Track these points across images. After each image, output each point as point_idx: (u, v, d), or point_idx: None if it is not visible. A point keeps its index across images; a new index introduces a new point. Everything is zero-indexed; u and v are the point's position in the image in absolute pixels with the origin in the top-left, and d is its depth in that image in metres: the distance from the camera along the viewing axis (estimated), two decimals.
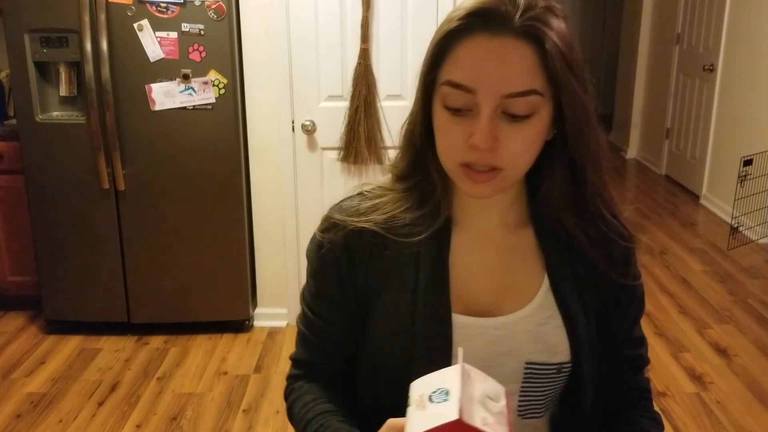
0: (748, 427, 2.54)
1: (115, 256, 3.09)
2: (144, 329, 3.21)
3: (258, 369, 2.94)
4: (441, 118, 0.86)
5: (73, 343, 3.15)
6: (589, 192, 0.93)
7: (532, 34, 0.81)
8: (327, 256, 0.97)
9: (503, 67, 0.81)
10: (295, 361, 1.06)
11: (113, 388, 2.79)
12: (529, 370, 0.93)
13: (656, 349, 3.09)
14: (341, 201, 1.01)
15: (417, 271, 0.94)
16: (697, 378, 2.86)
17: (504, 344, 0.93)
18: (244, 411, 2.66)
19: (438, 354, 0.91)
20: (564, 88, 0.83)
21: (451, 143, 0.86)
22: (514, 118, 0.82)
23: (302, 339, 1.04)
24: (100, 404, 2.69)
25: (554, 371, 0.94)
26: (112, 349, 3.09)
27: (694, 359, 3.01)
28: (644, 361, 1.07)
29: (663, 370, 2.93)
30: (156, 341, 3.16)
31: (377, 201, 0.97)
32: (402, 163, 0.98)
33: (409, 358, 0.92)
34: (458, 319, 0.92)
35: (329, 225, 0.97)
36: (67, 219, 3.05)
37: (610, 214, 0.97)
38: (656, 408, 1.06)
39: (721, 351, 3.07)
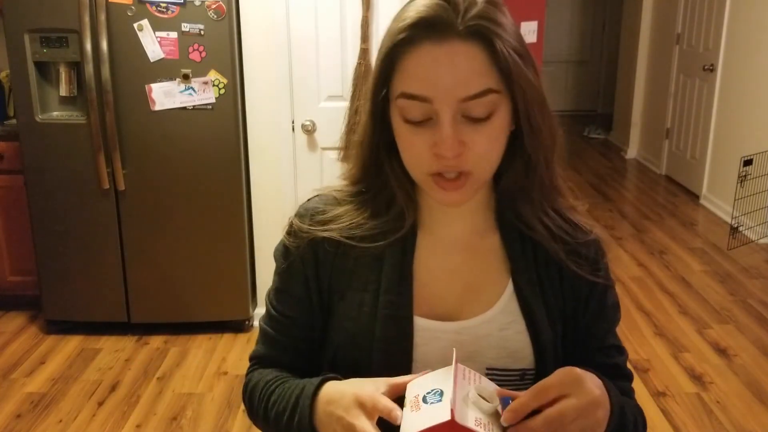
0: (748, 427, 2.54)
1: (115, 256, 3.09)
2: (144, 329, 3.21)
3: None
4: (402, 131, 0.86)
5: (73, 343, 3.15)
6: (543, 182, 0.92)
7: (479, 33, 0.80)
8: (292, 256, 0.98)
9: (455, 71, 0.80)
10: (255, 358, 1.04)
11: (113, 388, 2.79)
12: (490, 376, 0.91)
13: (656, 349, 3.09)
14: (307, 202, 1.02)
15: (380, 273, 0.93)
16: (697, 378, 2.86)
17: (464, 349, 0.91)
18: (244, 411, 2.65)
19: (397, 356, 0.90)
20: (518, 79, 0.82)
21: (417, 155, 0.85)
22: (475, 120, 0.82)
23: (265, 336, 1.02)
24: (100, 404, 2.69)
25: (517, 377, 0.93)
26: (112, 349, 3.09)
27: (694, 359, 3.01)
28: (622, 371, 1.00)
29: (663, 370, 2.92)
30: (156, 341, 3.16)
31: (341, 209, 0.97)
32: (353, 170, 0.98)
33: (369, 359, 0.91)
34: (419, 322, 0.91)
35: (295, 230, 0.98)
36: (67, 219, 3.05)
37: (567, 206, 0.96)
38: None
39: (721, 351, 3.07)
